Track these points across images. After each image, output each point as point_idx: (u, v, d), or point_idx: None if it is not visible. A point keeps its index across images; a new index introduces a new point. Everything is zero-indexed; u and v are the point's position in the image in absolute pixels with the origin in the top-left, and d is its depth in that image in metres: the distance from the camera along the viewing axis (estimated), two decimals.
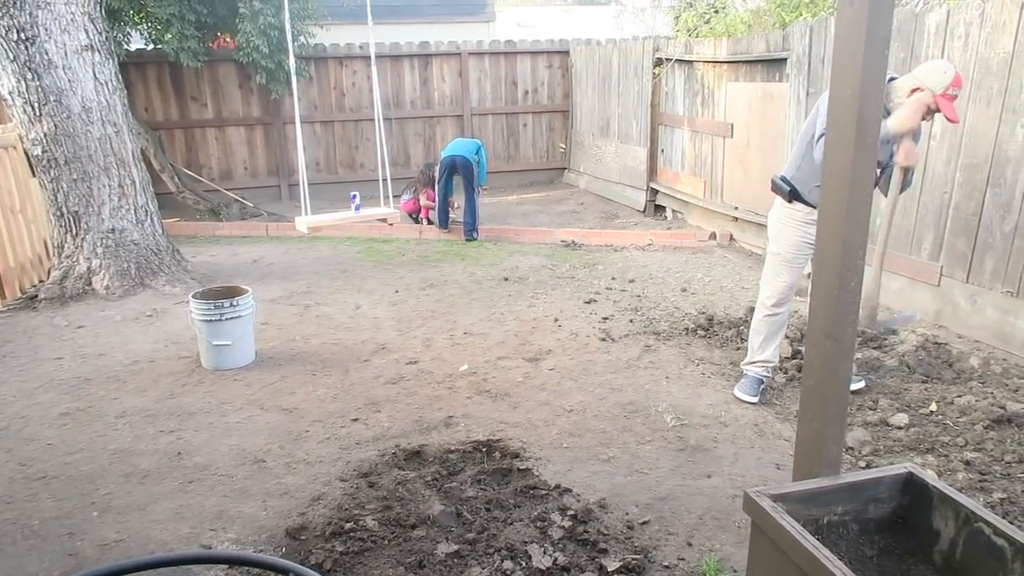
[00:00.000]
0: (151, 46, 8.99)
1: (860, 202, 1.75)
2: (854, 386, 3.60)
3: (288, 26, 5.85)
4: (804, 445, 1.96)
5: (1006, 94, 4.15)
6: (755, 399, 3.67)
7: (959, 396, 3.61)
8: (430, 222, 7.96)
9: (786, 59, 6.14)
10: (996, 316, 4.28)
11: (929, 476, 1.81)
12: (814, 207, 3.49)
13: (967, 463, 3.03)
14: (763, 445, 3.28)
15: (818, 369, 1.87)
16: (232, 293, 4.38)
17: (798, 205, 3.52)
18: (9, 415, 3.75)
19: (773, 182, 3.60)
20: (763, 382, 3.72)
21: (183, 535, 2.72)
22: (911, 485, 1.81)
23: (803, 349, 4.06)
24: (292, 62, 5.57)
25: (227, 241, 7.70)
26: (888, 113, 3.13)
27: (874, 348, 4.29)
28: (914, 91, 3.15)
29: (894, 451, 3.16)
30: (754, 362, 3.72)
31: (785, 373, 3.96)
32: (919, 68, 3.25)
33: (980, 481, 2.91)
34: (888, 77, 3.12)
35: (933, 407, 3.54)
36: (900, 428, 3.35)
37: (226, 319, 4.17)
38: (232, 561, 1.42)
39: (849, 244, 1.76)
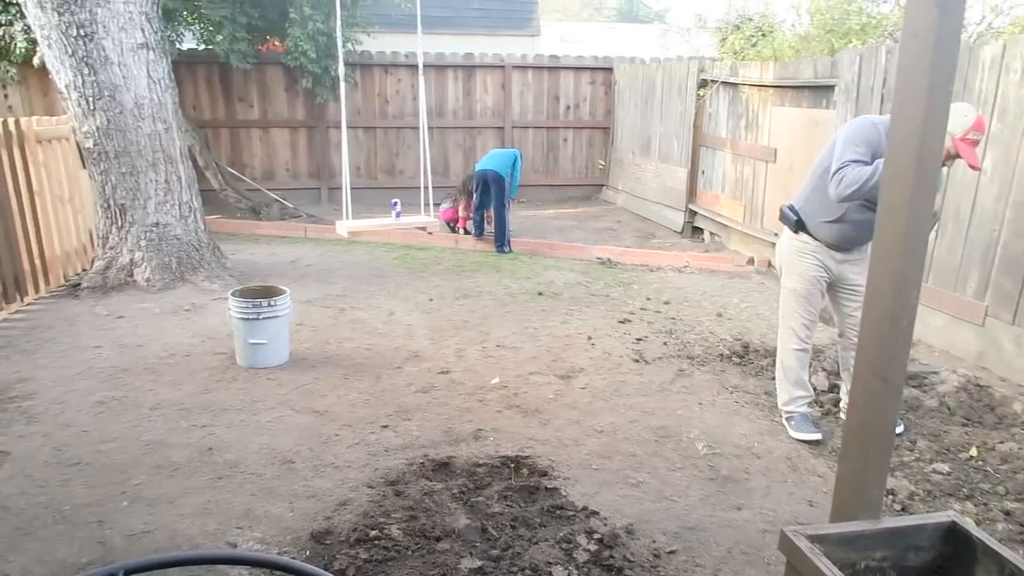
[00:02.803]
0: (202, 46, 9.20)
1: (917, 238, 1.71)
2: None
3: (339, 32, 5.94)
4: (844, 485, 1.91)
5: None
6: (818, 435, 3.53)
7: (1001, 443, 3.49)
8: (467, 232, 8.00)
9: (834, 86, 6.06)
10: None
11: (974, 527, 1.75)
12: (819, 241, 3.44)
13: (1007, 513, 2.93)
14: (796, 480, 3.21)
15: (864, 408, 1.83)
16: (270, 293, 4.43)
17: (804, 236, 3.47)
18: (48, 400, 3.83)
19: (781, 211, 3.56)
20: (810, 417, 3.64)
21: (210, 531, 2.74)
22: (954, 535, 1.75)
23: (840, 384, 3.98)
24: (341, 68, 5.65)
25: (266, 240, 7.81)
26: None
27: (914, 387, 4.18)
28: None
29: (933, 496, 3.07)
30: (794, 399, 3.63)
31: (821, 407, 3.88)
32: None
33: (1020, 533, 2.81)
34: None
35: (973, 452, 3.43)
36: (939, 473, 3.26)
37: (263, 318, 4.22)
38: (261, 564, 1.42)
39: (904, 281, 1.71)
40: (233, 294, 4.36)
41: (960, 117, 3.03)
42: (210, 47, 8.92)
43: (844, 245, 3.46)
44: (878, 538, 1.75)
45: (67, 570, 2.51)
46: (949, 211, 4.69)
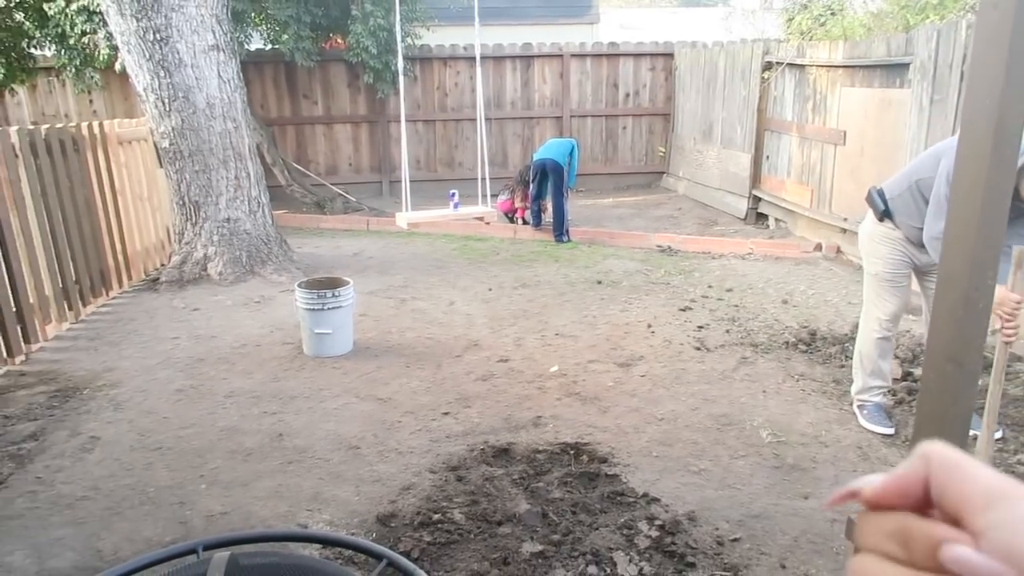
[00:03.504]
0: (269, 46, 9.47)
1: (993, 218, 1.63)
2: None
3: (398, 28, 6.03)
4: None
5: None
6: (891, 428, 3.42)
7: None
8: (525, 222, 8.01)
9: (909, 64, 5.80)
10: None
11: None
12: (903, 233, 3.29)
13: None
14: (867, 470, 3.11)
15: (937, 395, 1.76)
16: (334, 284, 4.55)
17: (889, 224, 3.32)
18: (131, 388, 4.04)
19: (869, 193, 3.40)
20: (884, 408, 3.52)
21: (281, 512, 2.85)
22: None
23: (914, 371, 3.83)
24: (400, 62, 5.74)
25: (330, 234, 8.01)
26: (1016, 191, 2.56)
27: None
28: None
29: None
30: (869, 388, 3.50)
31: (894, 395, 3.74)
32: None
33: None
34: None
35: None
36: (1023, 465, 3.10)
37: (328, 308, 4.34)
38: (340, 544, 1.48)
39: (979, 263, 1.64)
40: (299, 285, 4.50)
41: None
42: (276, 46, 9.18)
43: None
44: None
45: (152, 547, 2.66)
46: None
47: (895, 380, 3.87)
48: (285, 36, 8.65)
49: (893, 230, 3.32)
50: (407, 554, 2.48)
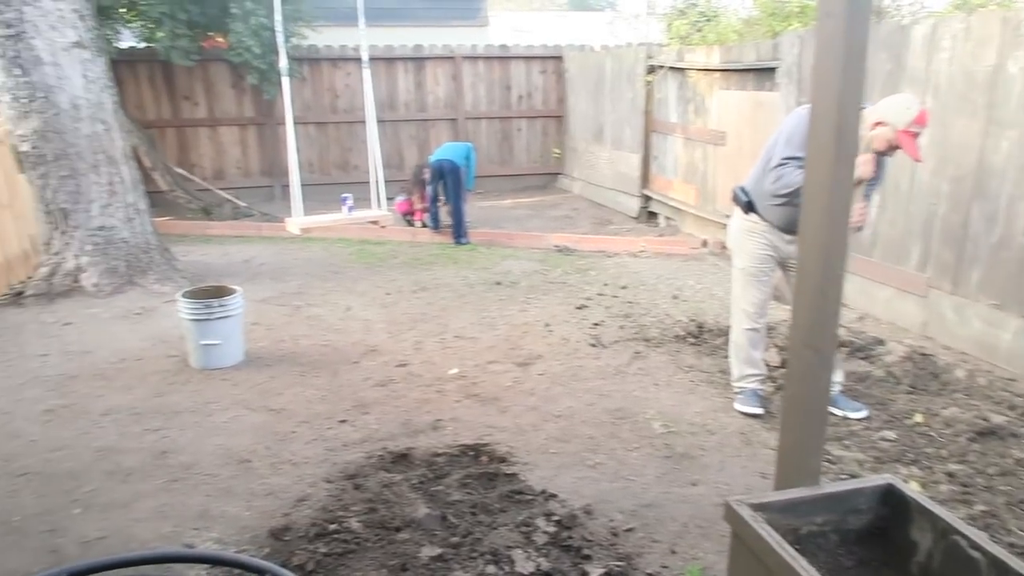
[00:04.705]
0: (142, 44, 8.95)
1: (840, 211, 1.76)
2: (857, 415, 3.58)
3: (279, 27, 5.85)
4: (785, 455, 1.97)
5: (990, 107, 4.19)
6: (760, 409, 3.63)
7: (944, 408, 3.63)
8: (424, 224, 7.97)
9: (776, 68, 6.18)
10: (982, 328, 4.32)
11: (909, 488, 1.82)
12: (768, 222, 3.52)
13: (950, 475, 3.05)
14: (749, 454, 3.29)
15: (798, 379, 1.89)
16: (221, 292, 4.37)
17: (754, 217, 3.55)
18: None
19: (733, 192, 3.64)
20: (760, 393, 3.73)
21: (165, 533, 2.70)
22: (890, 496, 1.82)
23: None
24: (283, 63, 5.57)
25: (219, 241, 7.68)
26: None
27: (862, 359, 4.31)
28: (876, 125, 3.12)
29: (881, 463, 3.18)
30: (744, 376, 3.72)
31: (774, 382, 3.97)
32: (884, 101, 3.21)
33: (963, 493, 2.93)
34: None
35: (918, 418, 3.56)
36: (887, 440, 3.37)
37: (215, 318, 4.16)
38: (211, 561, 1.41)
39: (829, 254, 1.77)
40: (183, 295, 4.29)
41: (903, 110, 3.07)
42: (150, 45, 8.70)
43: (791, 228, 3.52)
44: (818, 503, 1.81)
45: None
46: (890, 186, 4.83)
47: (775, 367, 4.12)
48: (160, 34, 8.21)
49: (758, 222, 3.54)
50: (301, 567, 2.41)
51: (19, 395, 3.91)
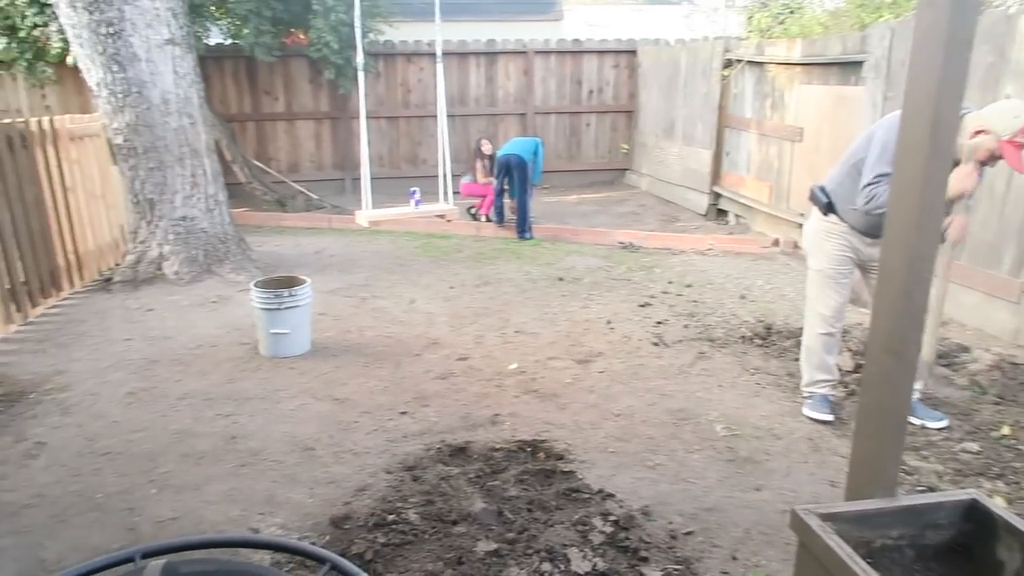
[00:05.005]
0: (229, 41, 9.30)
1: (931, 211, 1.66)
2: (937, 424, 3.40)
3: (358, 23, 5.96)
4: (859, 464, 1.88)
5: None
6: (830, 416, 3.49)
7: None
8: (489, 219, 8.01)
9: (863, 62, 5.91)
10: None
11: (995, 504, 1.71)
12: (848, 224, 3.35)
13: None
14: (817, 461, 3.16)
15: (877, 385, 1.79)
16: (292, 283, 4.48)
17: (834, 218, 3.38)
18: (81, 392, 3.93)
19: (811, 191, 3.47)
20: (831, 399, 3.58)
21: (233, 517, 2.79)
22: (975, 512, 1.71)
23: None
24: (360, 58, 5.67)
25: (291, 232, 7.90)
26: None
27: (944, 366, 4.08)
28: (978, 133, 2.89)
29: (963, 475, 3.00)
30: (815, 382, 3.57)
31: (845, 387, 3.81)
32: (989, 107, 2.97)
33: None
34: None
35: (1006, 431, 3.35)
36: (968, 452, 3.18)
37: (285, 308, 4.28)
38: (278, 548, 1.44)
39: (917, 255, 1.67)
40: (255, 285, 4.42)
41: (1011, 118, 2.85)
42: (236, 41, 9.02)
43: (874, 231, 3.34)
44: (893, 516, 1.71)
45: (99, 555, 2.58)
46: (984, 188, 4.53)
47: (847, 372, 3.94)
48: (245, 31, 8.49)
49: (837, 223, 3.38)
50: (360, 556, 2.45)
51: (105, 377, 4.12)
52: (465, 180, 8.32)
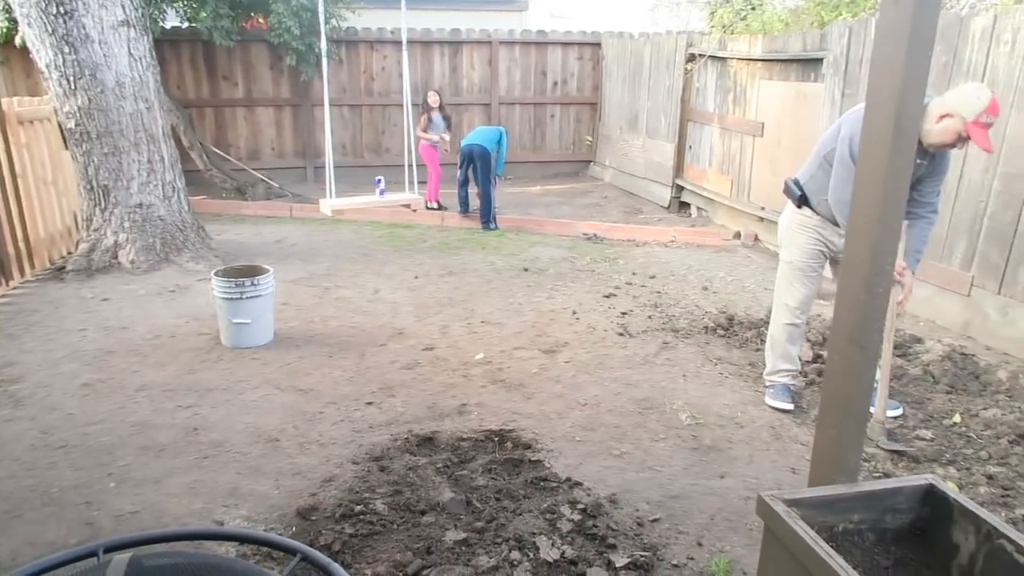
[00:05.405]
0: (186, 24, 9.05)
1: (893, 205, 1.70)
2: (892, 412, 3.49)
3: (322, 8, 5.85)
4: (822, 451, 1.93)
5: None
6: (791, 405, 3.58)
7: (984, 409, 3.53)
8: (439, 206, 8.00)
9: (822, 59, 6.03)
10: None
11: (951, 489, 1.77)
12: (821, 216, 3.42)
13: (990, 477, 2.97)
14: (779, 448, 3.24)
15: (840, 375, 1.83)
16: (253, 272, 4.41)
17: (806, 211, 3.45)
18: (33, 383, 3.81)
19: (785, 184, 3.53)
20: (792, 388, 3.66)
21: (196, 510, 2.74)
22: (931, 497, 1.77)
23: (824, 353, 4.00)
24: (323, 44, 5.58)
25: (252, 220, 7.76)
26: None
27: (898, 356, 4.21)
28: (943, 117, 2.97)
29: (916, 461, 3.10)
30: (778, 371, 3.65)
31: (805, 377, 3.90)
32: (951, 92, 3.06)
33: (1003, 496, 2.85)
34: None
35: (957, 419, 3.47)
36: (922, 439, 3.29)
37: (246, 298, 4.20)
38: (243, 539, 1.42)
39: (879, 248, 1.71)
40: (216, 274, 4.34)
41: (973, 100, 2.92)
42: (193, 24, 8.78)
43: None
44: (855, 501, 1.76)
45: (56, 551, 2.51)
46: None
47: (807, 362, 4.04)
48: (203, 13, 8.28)
49: (811, 216, 3.45)
50: (328, 547, 2.43)
51: (58, 369, 3.99)
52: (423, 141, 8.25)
